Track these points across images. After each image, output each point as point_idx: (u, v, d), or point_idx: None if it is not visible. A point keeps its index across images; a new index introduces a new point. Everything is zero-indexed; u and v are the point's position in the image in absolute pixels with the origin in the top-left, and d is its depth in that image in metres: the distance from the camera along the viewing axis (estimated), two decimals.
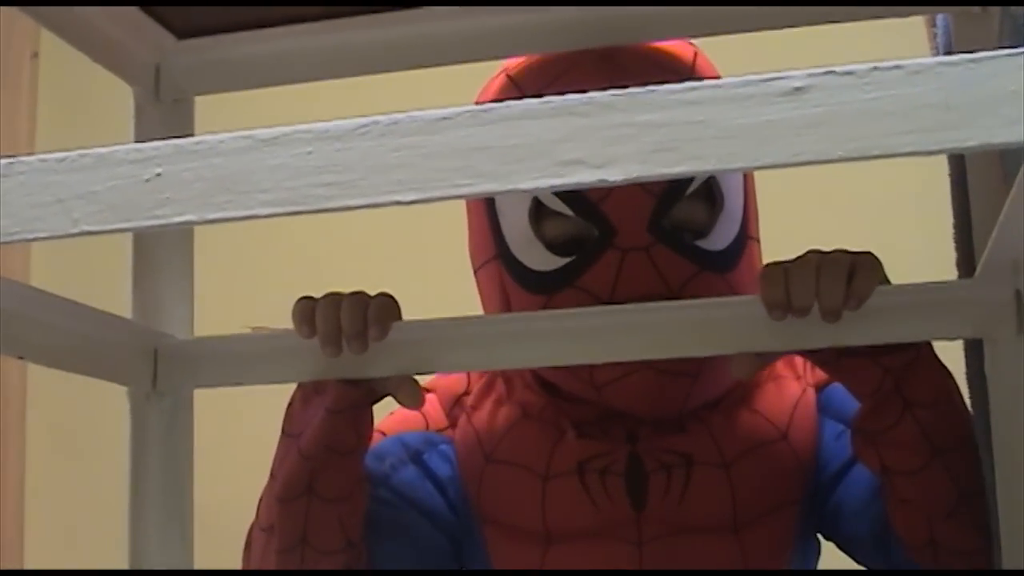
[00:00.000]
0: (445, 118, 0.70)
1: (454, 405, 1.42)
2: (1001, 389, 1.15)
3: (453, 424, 1.41)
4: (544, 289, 1.32)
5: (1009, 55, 0.64)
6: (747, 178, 1.37)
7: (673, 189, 1.29)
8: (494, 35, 1.31)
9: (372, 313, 1.21)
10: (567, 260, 1.31)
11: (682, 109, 0.67)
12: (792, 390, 1.38)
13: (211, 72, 1.39)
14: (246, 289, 2.69)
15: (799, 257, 1.17)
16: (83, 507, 2.85)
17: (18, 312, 1.11)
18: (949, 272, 1.25)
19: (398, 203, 0.70)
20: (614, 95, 0.68)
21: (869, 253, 1.17)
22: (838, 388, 1.33)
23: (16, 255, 2.98)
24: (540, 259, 1.32)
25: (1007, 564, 1.14)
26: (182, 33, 1.37)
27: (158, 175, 0.73)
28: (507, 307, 1.35)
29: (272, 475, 1.28)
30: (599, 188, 1.23)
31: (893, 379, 1.20)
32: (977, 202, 1.17)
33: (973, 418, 1.22)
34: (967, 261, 1.20)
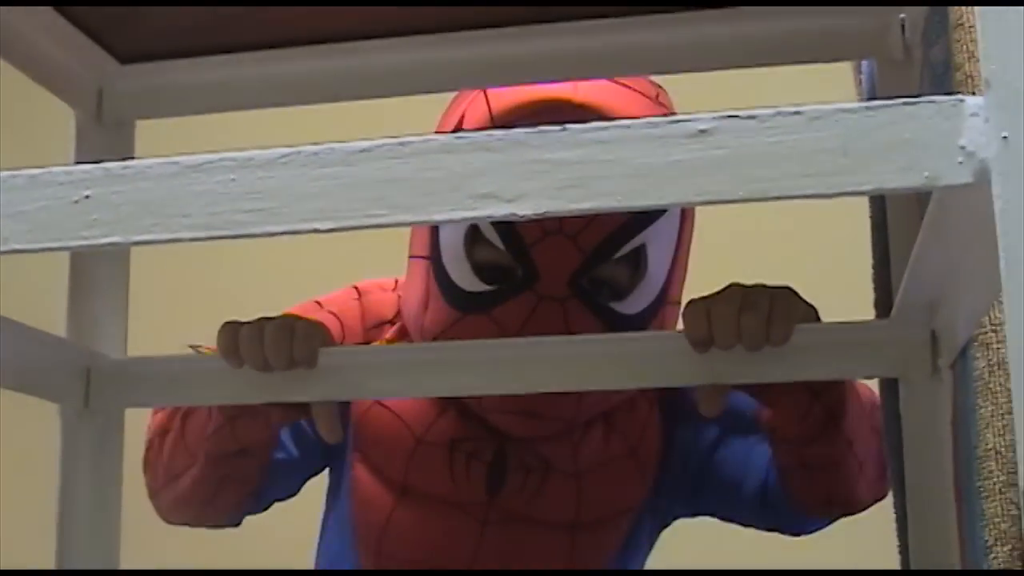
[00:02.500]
0: (364, 150, 0.72)
1: (375, 327, 1.50)
2: (915, 428, 1.19)
3: (367, 343, 1.48)
4: (460, 306, 1.38)
5: (904, 103, 0.67)
6: (681, 241, 1.42)
7: (602, 250, 1.35)
8: (431, 69, 1.33)
9: (298, 345, 1.24)
10: (488, 288, 1.37)
11: (592, 147, 0.70)
12: (642, 407, 1.47)
13: (153, 97, 1.41)
14: (180, 308, 2.70)
15: (721, 291, 1.21)
16: (8, 523, 2.85)
17: None
18: (870, 312, 1.29)
19: (316, 231, 0.72)
20: (528, 132, 0.71)
21: (788, 288, 1.21)
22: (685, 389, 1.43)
23: None
24: (465, 278, 1.38)
25: None
26: (125, 58, 1.38)
27: (87, 197, 0.75)
28: (424, 305, 1.41)
29: (190, 422, 1.38)
30: (533, 232, 1.31)
31: (822, 403, 1.27)
32: (896, 243, 1.20)
33: (888, 454, 1.25)
34: (885, 301, 1.23)
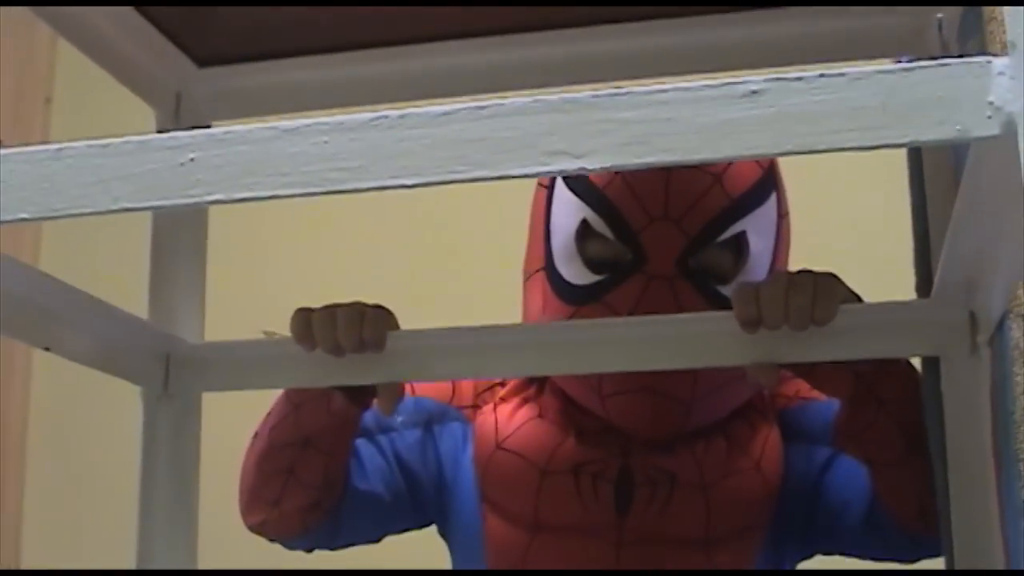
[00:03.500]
0: (445, 113, 0.80)
1: (486, 390, 1.57)
2: (956, 404, 1.25)
3: (477, 406, 1.55)
4: (575, 300, 1.45)
5: (938, 64, 0.74)
6: (779, 244, 1.49)
7: (705, 234, 1.42)
8: (511, 68, 1.41)
9: (368, 328, 1.32)
10: (600, 277, 1.44)
11: (653, 108, 0.77)
12: (761, 425, 1.51)
13: (230, 99, 1.49)
14: (256, 294, 2.78)
15: (768, 278, 1.28)
16: (84, 508, 2.92)
17: (48, 306, 1.20)
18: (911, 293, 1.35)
19: (403, 186, 0.79)
20: (595, 95, 0.78)
21: (831, 274, 1.27)
22: (795, 411, 1.49)
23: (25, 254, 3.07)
24: (578, 273, 1.45)
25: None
26: (203, 61, 1.46)
27: (191, 160, 0.83)
28: (542, 312, 1.49)
29: (268, 418, 1.46)
30: (639, 219, 1.38)
31: (866, 383, 1.32)
32: (935, 225, 1.26)
33: (929, 432, 1.31)
34: (926, 286, 1.29)
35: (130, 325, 1.35)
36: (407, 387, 1.45)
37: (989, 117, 0.74)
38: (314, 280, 2.66)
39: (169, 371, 1.41)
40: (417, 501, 1.54)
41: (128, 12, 1.35)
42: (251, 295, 2.74)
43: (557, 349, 1.33)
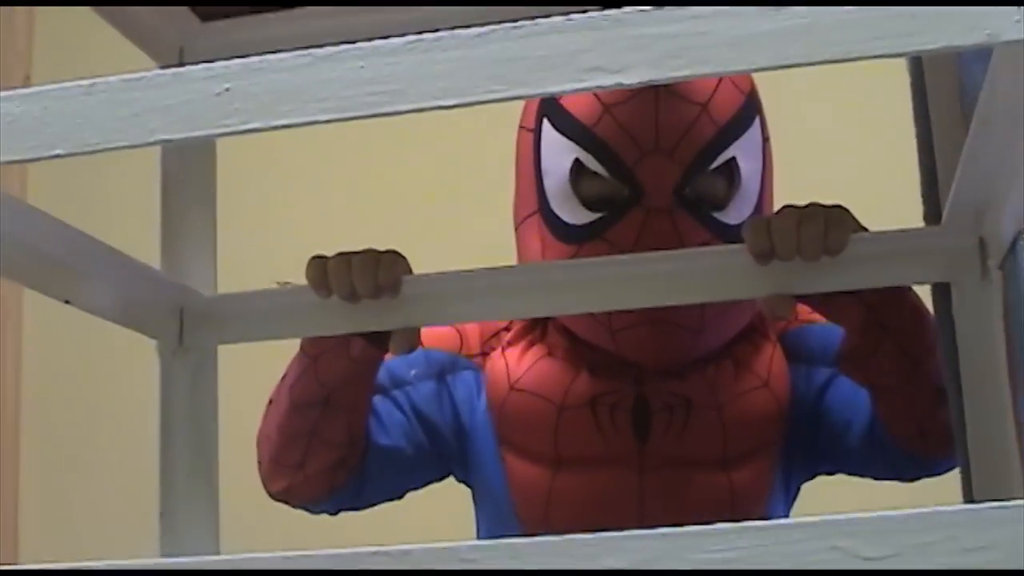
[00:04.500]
0: (480, 35, 0.81)
1: (492, 337, 1.59)
2: (968, 330, 1.26)
3: (485, 354, 1.58)
4: (575, 239, 1.47)
5: None
6: (766, 167, 1.52)
7: (698, 162, 1.45)
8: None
9: (382, 272, 1.33)
10: (598, 215, 1.46)
11: (687, 22, 0.78)
12: (764, 345, 1.54)
13: (234, 53, 1.47)
14: (268, 244, 2.79)
15: (779, 211, 1.30)
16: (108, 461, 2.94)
17: (70, 258, 1.21)
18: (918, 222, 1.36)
19: (441, 107, 0.80)
20: (627, 12, 0.79)
21: (840, 206, 1.29)
22: (795, 333, 1.54)
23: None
24: (575, 213, 1.47)
25: (977, 494, 1.25)
26: (206, 15, 1.47)
27: (227, 89, 0.84)
28: (542, 255, 1.50)
29: (285, 380, 1.48)
30: (631, 153, 1.39)
31: (873, 312, 1.35)
32: (942, 156, 1.28)
33: (942, 358, 1.32)
34: (934, 212, 1.30)
35: (148, 278, 1.35)
36: None
37: (1017, 21, 0.75)
38: (324, 228, 2.67)
39: (184, 324, 1.41)
40: (438, 451, 1.57)
41: None
42: (262, 245, 2.75)
43: (570, 288, 1.34)
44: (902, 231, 1.29)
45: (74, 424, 3.07)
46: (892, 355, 1.38)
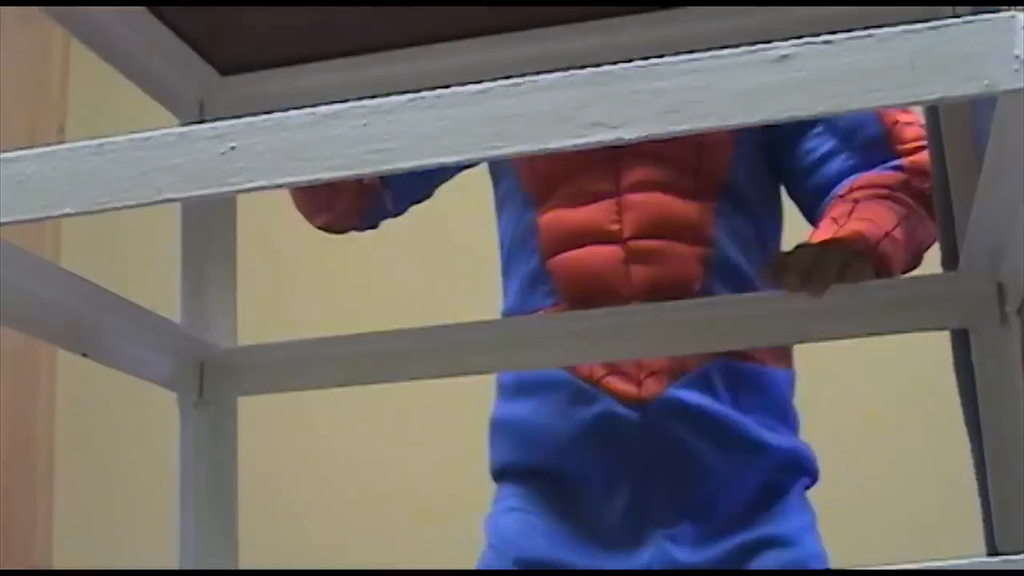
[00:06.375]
0: (481, 91, 0.81)
1: None
2: (987, 375, 1.26)
3: None
4: None
5: (963, 21, 0.76)
6: None
7: None
8: (528, 63, 1.42)
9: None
10: None
11: (687, 76, 0.78)
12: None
13: (253, 106, 1.49)
14: (287, 296, 2.81)
15: (797, 247, 1.32)
16: (116, 517, 2.95)
17: (88, 312, 1.22)
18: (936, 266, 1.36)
19: (443, 164, 0.81)
20: (627, 67, 0.79)
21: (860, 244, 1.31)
22: None
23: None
24: None
25: (1001, 545, 1.24)
26: (225, 69, 1.48)
27: (232, 148, 0.84)
28: None
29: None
30: None
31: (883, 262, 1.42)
32: (958, 200, 1.27)
33: (962, 403, 1.32)
34: (952, 257, 1.30)
35: (166, 331, 1.36)
36: None
37: (1016, 71, 0.75)
38: (342, 281, 2.68)
39: (204, 377, 1.42)
40: None
41: (149, 20, 1.36)
42: (282, 297, 2.76)
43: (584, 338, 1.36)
44: (919, 277, 1.29)
45: (106, 466, 3.08)
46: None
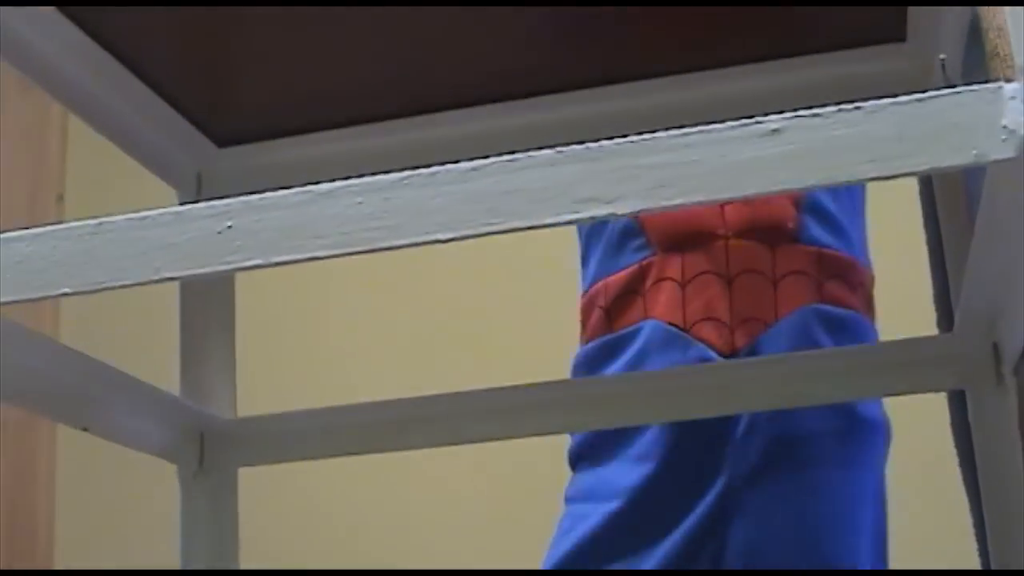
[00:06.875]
0: (475, 168, 0.82)
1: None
2: (984, 436, 1.26)
3: None
4: None
5: (950, 93, 0.77)
6: None
7: None
8: (526, 133, 1.43)
9: None
10: None
11: (678, 151, 0.79)
12: None
13: (251, 178, 1.51)
14: (287, 366, 2.81)
15: None
16: None
17: (86, 386, 1.22)
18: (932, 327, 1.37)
19: (438, 241, 0.81)
20: (619, 142, 0.80)
21: None
22: None
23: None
24: None
25: None
26: (223, 141, 1.49)
27: (229, 227, 0.85)
28: None
29: None
30: None
31: None
32: (952, 261, 1.28)
33: (960, 464, 1.32)
34: (947, 318, 1.31)
35: (166, 403, 1.36)
36: None
37: (1004, 140, 0.76)
38: (342, 351, 2.68)
39: (204, 448, 1.42)
40: None
41: (146, 93, 1.37)
42: (282, 367, 2.77)
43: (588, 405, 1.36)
44: (915, 339, 1.29)
45: (108, 544, 3.08)
46: None
